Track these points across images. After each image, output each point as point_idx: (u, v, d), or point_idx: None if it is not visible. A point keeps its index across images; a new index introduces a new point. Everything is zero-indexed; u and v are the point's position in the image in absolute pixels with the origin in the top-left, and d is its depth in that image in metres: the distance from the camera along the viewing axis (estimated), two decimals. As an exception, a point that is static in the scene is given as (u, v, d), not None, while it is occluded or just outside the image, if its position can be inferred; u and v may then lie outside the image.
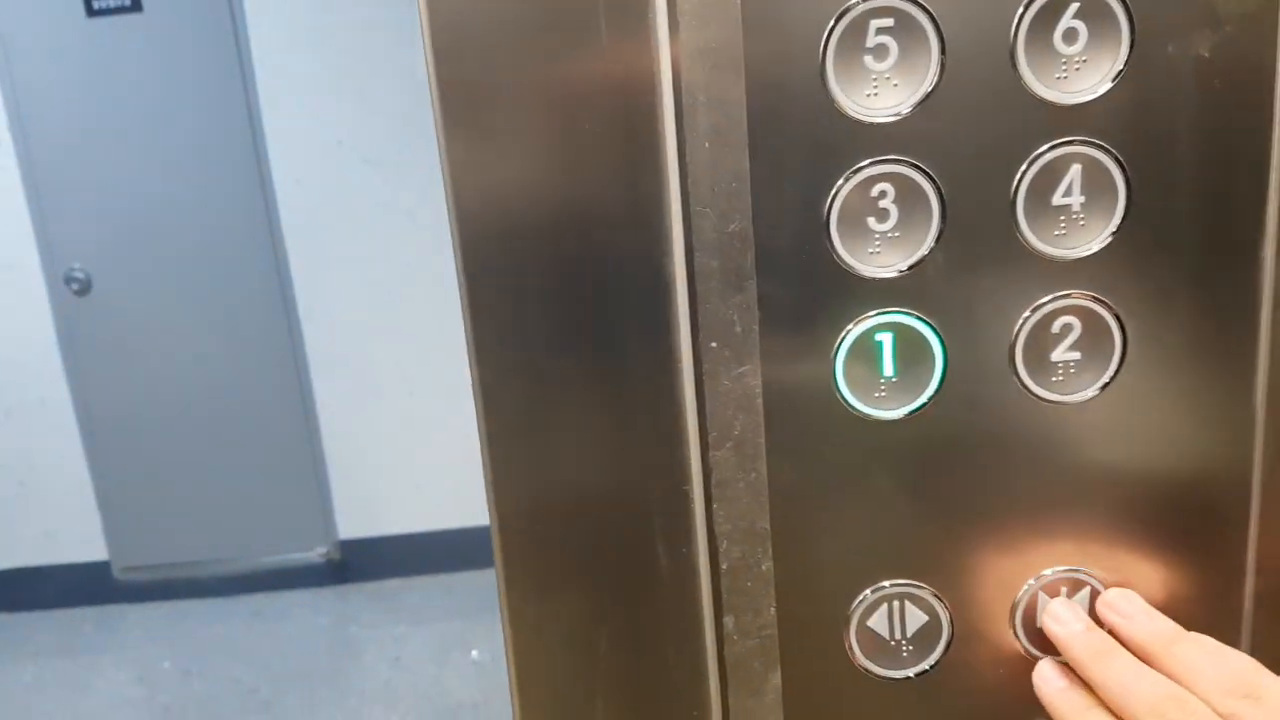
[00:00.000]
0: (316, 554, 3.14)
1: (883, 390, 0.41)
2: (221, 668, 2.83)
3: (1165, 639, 0.40)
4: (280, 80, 2.74)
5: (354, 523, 3.09)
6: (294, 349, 2.99)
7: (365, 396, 2.96)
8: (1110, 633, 0.41)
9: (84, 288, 2.97)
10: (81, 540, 3.12)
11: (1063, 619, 0.41)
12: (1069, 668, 0.41)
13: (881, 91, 0.37)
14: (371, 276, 2.84)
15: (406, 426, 2.97)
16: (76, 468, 3.06)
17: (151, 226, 2.94)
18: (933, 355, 0.40)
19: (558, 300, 0.41)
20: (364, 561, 3.10)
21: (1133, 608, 0.41)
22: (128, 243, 2.95)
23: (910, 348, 0.40)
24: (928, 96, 0.37)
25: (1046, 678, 0.41)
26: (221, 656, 2.88)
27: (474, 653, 2.74)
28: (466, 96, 0.38)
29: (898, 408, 0.41)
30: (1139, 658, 0.40)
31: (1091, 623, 0.41)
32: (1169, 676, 0.38)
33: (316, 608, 3.05)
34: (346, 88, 2.71)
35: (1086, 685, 0.40)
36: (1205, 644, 0.40)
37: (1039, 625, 0.42)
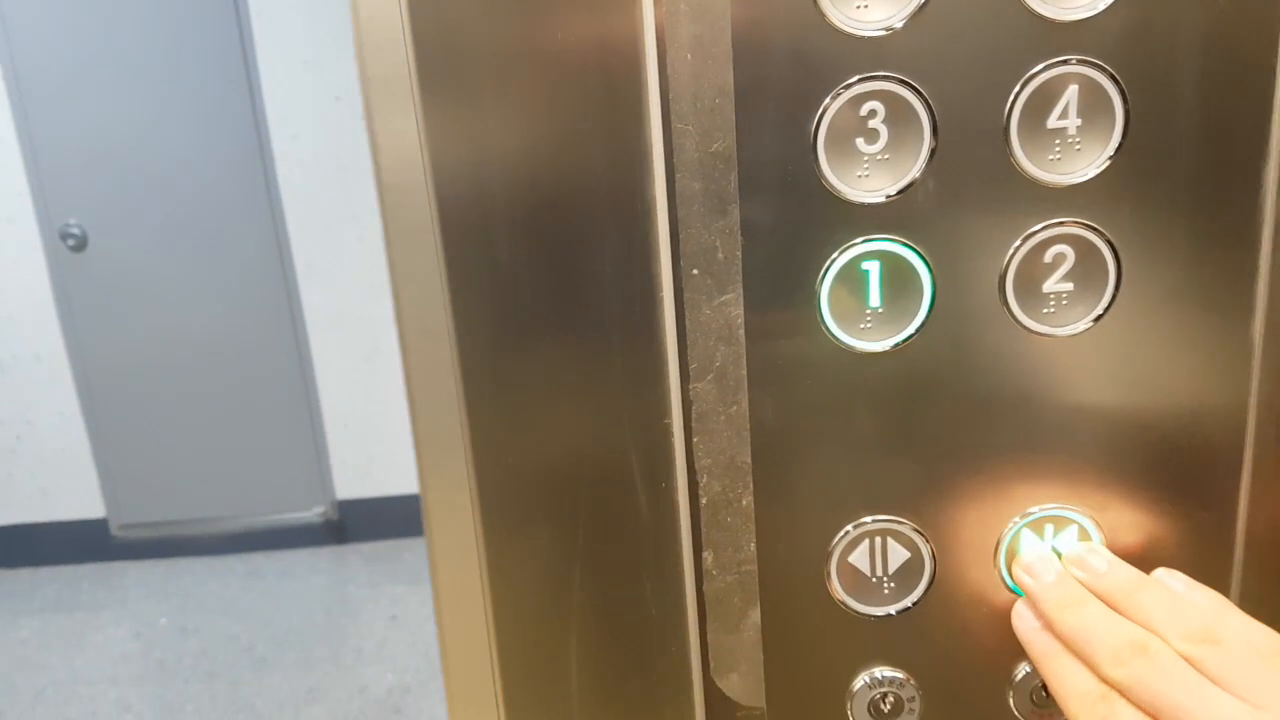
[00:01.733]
0: (314, 514, 3.14)
1: (868, 321, 0.39)
2: (218, 625, 2.85)
3: (1129, 587, 0.39)
4: (278, 35, 2.71)
5: (352, 483, 3.09)
6: (291, 306, 2.98)
7: (363, 355, 2.95)
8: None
9: (80, 243, 2.95)
10: (78, 497, 3.13)
11: (1034, 571, 0.41)
12: None
13: (872, 3, 0.36)
14: (369, 234, 2.83)
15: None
16: (73, 424, 3.06)
17: (148, 182, 2.93)
18: (921, 285, 0.39)
19: (531, 227, 0.39)
20: (362, 522, 3.10)
21: (1096, 560, 0.40)
22: (124, 199, 2.94)
23: (898, 277, 0.39)
24: (920, 9, 0.36)
25: (1023, 616, 0.41)
26: (218, 614, 2.90)
27: (469, 613, 2.75)
28: (437, 8, 0.37)
29: (884, 339, 0.40)
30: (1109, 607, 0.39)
31: (1063, 573, 0.40)
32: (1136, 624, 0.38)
33: (314, 567, 3.06)
34: (344, 43, 2.67)
35: None
36: (1170, 587, 0.39)
37: (1013, 576, 0.42)
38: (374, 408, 3.01)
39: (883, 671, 0.43)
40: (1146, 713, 0.35)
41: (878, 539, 0.41)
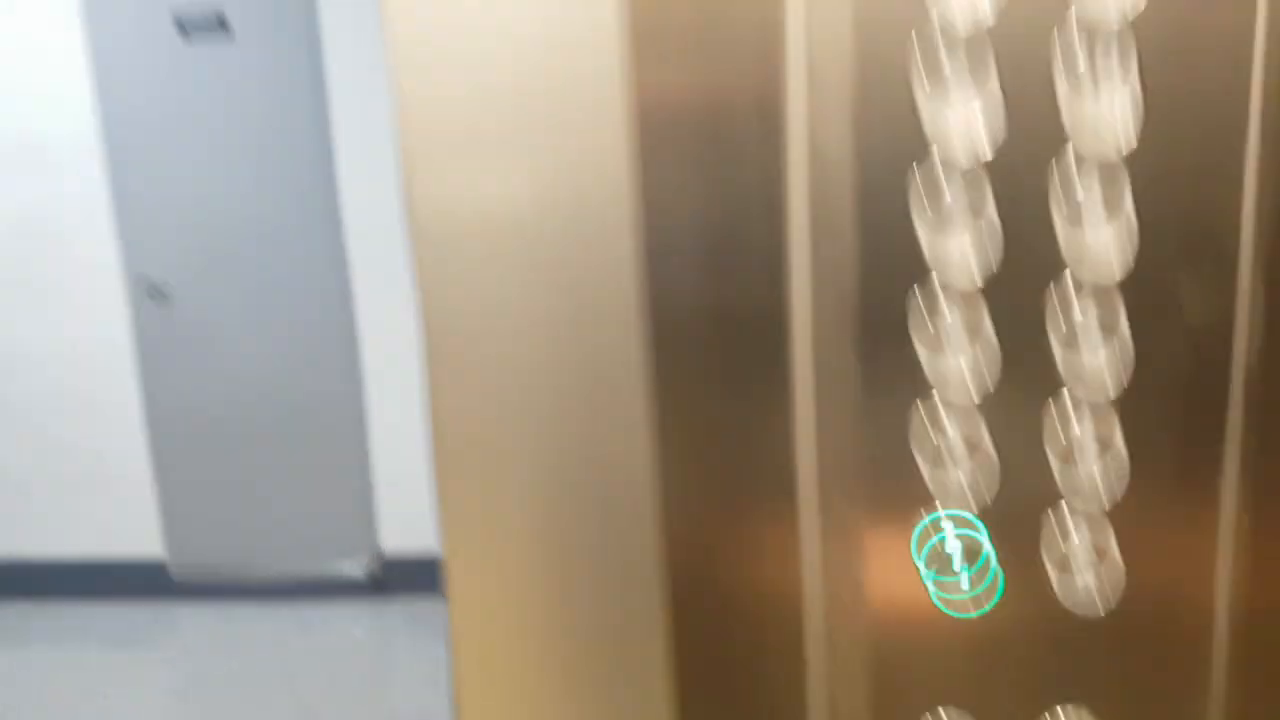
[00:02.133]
0: (358, 565, 3.24)
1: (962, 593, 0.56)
2: (265, 674, 2.92)
3: None
4: (356, 105, 2.91)
5: (398, 537, 3.20)
6: (351, 363, 3.12)
7: (417, 411, 3.06)
8: None
9: (162, 296, 3.11)
10: (141, 536, 3.26)
11: None
12: None
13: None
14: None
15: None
16: (140, 466, 3.20)
17: (227, 240, 3.08)
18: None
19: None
20: (406, 577, 3.19)
21: None
22: (205, 256, 3.09)
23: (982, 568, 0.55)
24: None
25: None
26: (266, 662, 2.97)
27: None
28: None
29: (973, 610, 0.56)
30: None
31: None
32: None
33: (357, 621, 3.14)
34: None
35: None
36: None
37: None
38: (424, 462, 3.11)
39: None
40: None
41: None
